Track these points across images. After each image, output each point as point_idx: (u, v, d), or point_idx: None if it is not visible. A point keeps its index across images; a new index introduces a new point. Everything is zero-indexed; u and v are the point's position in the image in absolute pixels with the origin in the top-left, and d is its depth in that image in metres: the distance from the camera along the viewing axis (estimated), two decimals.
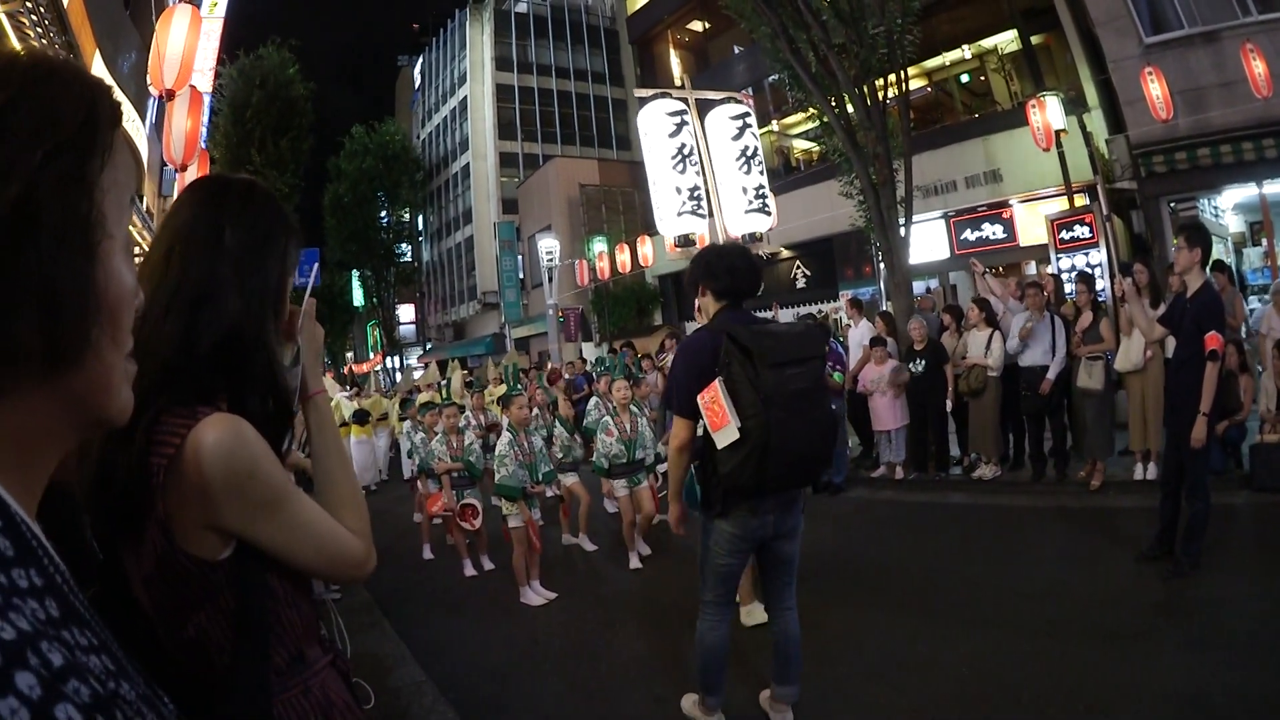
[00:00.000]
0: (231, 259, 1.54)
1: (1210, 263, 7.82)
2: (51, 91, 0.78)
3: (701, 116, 9.62)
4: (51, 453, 0.82)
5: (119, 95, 0.87)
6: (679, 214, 8.69)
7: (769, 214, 8.24)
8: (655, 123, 9.10)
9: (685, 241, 8.54)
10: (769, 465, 3.81)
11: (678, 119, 9.03)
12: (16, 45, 9.57)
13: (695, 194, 8.69)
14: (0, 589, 0.63)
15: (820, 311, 19.35)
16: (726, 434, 3.83)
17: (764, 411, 3.77)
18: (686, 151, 8.76)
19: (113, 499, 1.38)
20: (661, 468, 8.77)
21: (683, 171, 8.80)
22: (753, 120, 8.44)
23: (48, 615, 0.66)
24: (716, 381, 3.88)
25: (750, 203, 8.26)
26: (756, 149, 8.37)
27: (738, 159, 8.35)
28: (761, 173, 8.29)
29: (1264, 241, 15.77)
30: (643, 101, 9.35)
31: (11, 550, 0.68)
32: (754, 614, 6.07)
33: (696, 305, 4.53)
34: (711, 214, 9.34)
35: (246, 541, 1.44)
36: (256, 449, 1.43)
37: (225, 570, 1.43)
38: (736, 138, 8.39)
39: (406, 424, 13.29)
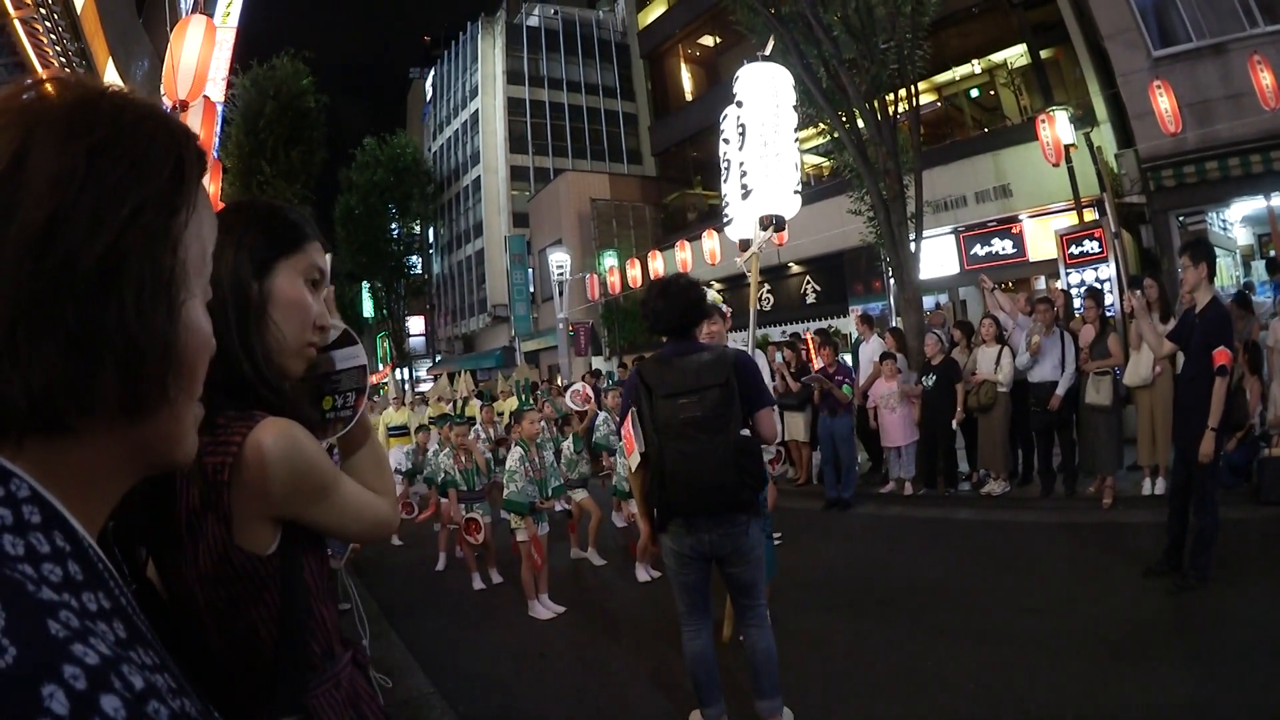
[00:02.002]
0: None
1: (1238, 298, 7.81)
2: (139, 139, 0.77)
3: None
4: (116, 489, 0.83)
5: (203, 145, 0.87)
6: (725, 224, 8.51)
7: (746, 194, 7.90)
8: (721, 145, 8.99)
9: (744, 245, 8.39)
10: (669, 489, 4.17)
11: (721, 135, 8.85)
12: (30, 52, 9.66)
13: (724, 204, 8.50)
14: (77, 613, 0.64)
15: (831, 326, 19.32)
16: (633, 459, 4.34)
17: (657, 440, 4.18)
18: (721, 163, 8.51)
19: (174, 500, 1.45)
20: None
21: (719, 188, 8.67)
22: (739, 85, 8.01)
23: (117, 637, 0.68)
24: (631, 413, 4.33)
25: (738, 189, 8.03)
26: (738, 118, 7.99)
27: (732, 139, 8.08)
28: (741, 147, 7.93)
29: (1272, 254, 15.76)
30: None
31: (81, 575, 0.69)
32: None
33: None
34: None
35: (302, 524, 1.53)
36: (309, 446, 1.51)
37: (271, 565, 1.50)
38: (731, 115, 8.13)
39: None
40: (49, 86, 0.78)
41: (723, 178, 8.26)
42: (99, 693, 0.59)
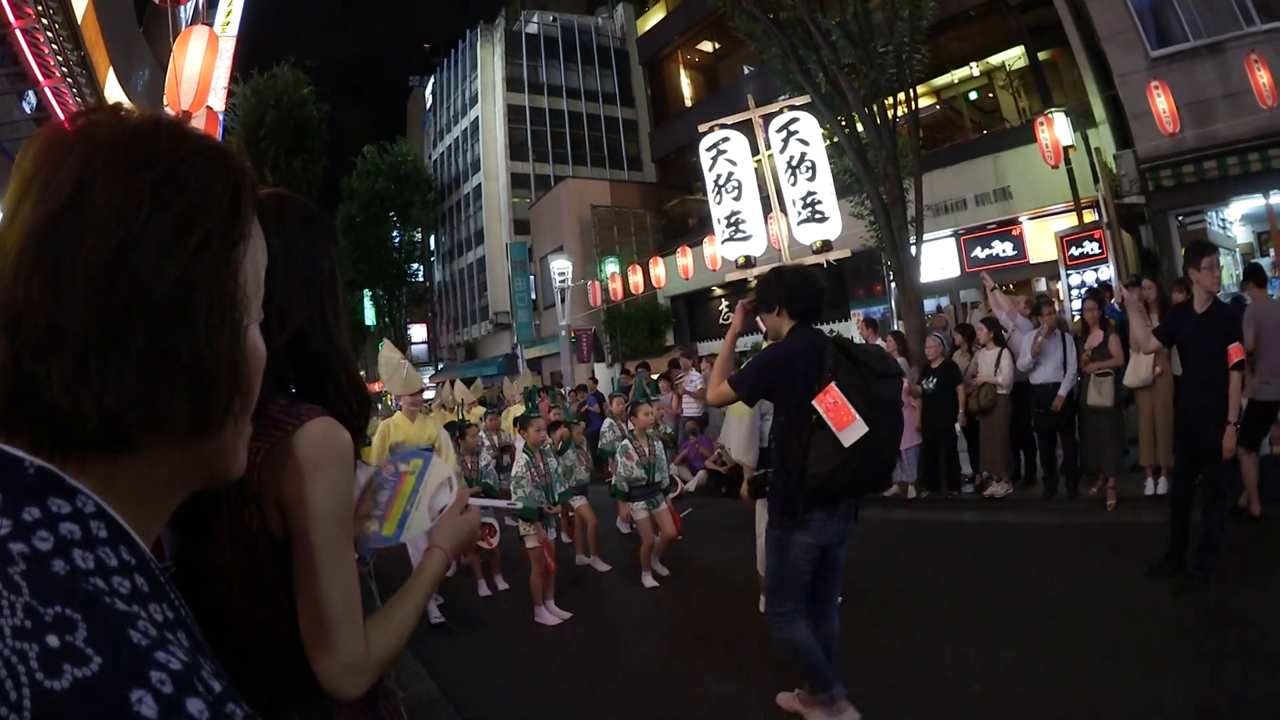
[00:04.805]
0: (279, 267, 1.54)
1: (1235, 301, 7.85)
2: (200, 170, 0.79)
3: (769, 129, 9.57)
4: (171, 503, 0.86)
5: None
6: (722, 242, 8.72)
7: (822, 220, 8.21)
8: (704, 157, 9.15)
9: (745, 263, 8.56)
10: (867, 467, 4.09)
11: (714, 150, 9.05)
12: (32, 62, 9.70)
13: (732, 220, 8.69)
14: (153, 623, 0.67)
15: (833, 330, 19.36)
16: (855, 430, 3.98)
17: (872, 416, 4.00)
18: (722, 181, 8.76)
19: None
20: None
21: (719, 202, 8.83)
22: (800, 125, 8.37)
23: (181, 646, 0.69)
24: (833, 385, 4.05)
25: (799, 214, 8.27)
26: (804, 155, 8.32)
27: (785, 171, 8.37)
28: (811, 179, 8.23)
29: (1272, 252, 15.78)
30: (702, 136, 9.38)
31: (147, 587, 0.72)
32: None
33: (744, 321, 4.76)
34: (783, 228, 9.27)
35: (292, 536, 1.50)
36: (349, 453, 1.56)
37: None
38: (783, 149, 8.39)
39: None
40: (102, 115, 0.80)
41: (733, 195, 8.48)
42: (185, 696, 0.63)
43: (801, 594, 4.50)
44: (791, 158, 8.32)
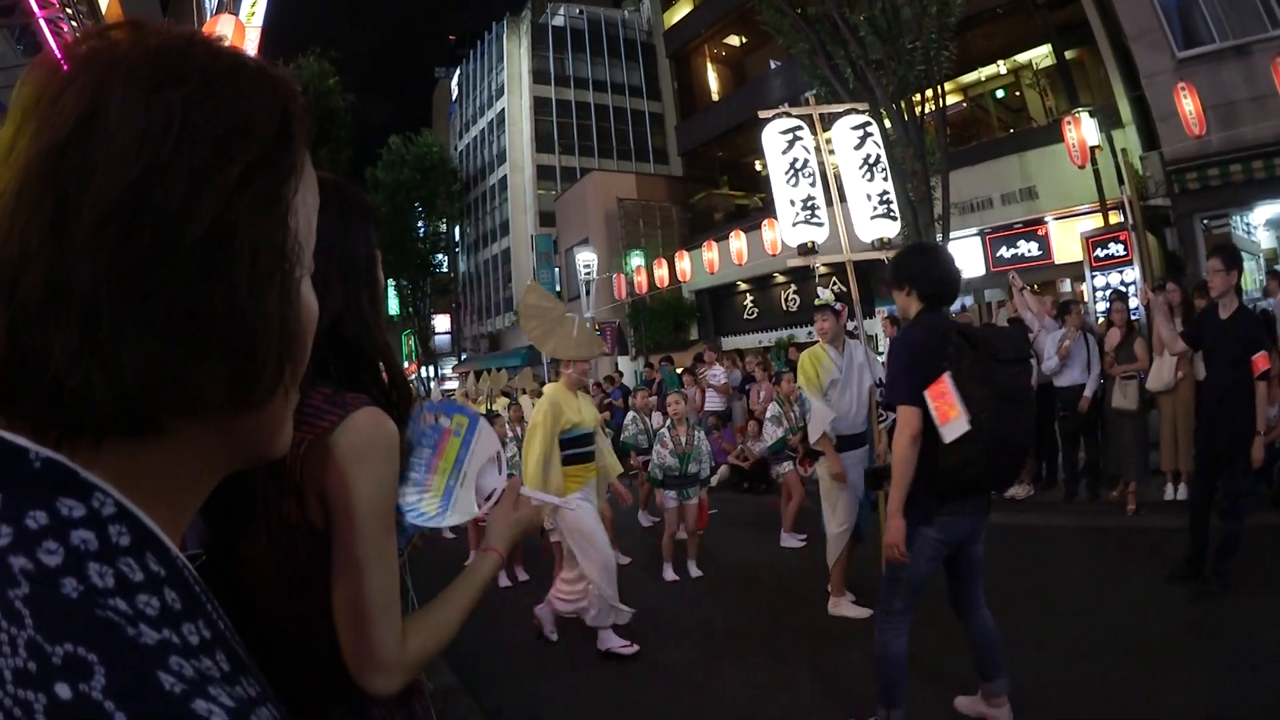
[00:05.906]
0: (320, 250, 1.57)
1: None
2: (238, 92, 0.65)
3: (828, 128, 9.73)
4: (202, 491, 0.72)
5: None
6: (794, 224, 8.78)
7: (895, 219, 8.41)
8: (771, 140, 9.22)
9: (805, 250, 8.65)
10: (997, 458, 3.85)
11: (789, 135, 9.14)
12: (56, 51, 9.83)
13: (809, 204, 8.80)
14: (183, 652, 0.57)
15: (855, 327, 19.33)
16: (956, 426, 3.75)
17: (998, 405, 3.78)
18: (799, 165, 8.85)
19: (253, 477, 1.44)
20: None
21: (795, 185, 8.88)
22: (874, 129, 8.57)
23: (222, 671, 0.60)
24: (945, 376, 3.80)
25: (875, 209, 8.41)
26: (879, 156, 8.51)
27: (860, 167, 8.48)
28: (885, 179, 8.45)
29: None
30: (764, 122, 9.48)
31: (180, 603, 0.60)
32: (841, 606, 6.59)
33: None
34: (843, 221, 9.39)
35: (332, 528, 1.46)
36: (395, 444, 1.52)
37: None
38: (858, 147, 8.50)
39: None
40: (121, 31, 0.65)
41: (809, 180, 8.79)
42: None
43: (913, 597, 4.23)
44: (868, 156, 8.53)
